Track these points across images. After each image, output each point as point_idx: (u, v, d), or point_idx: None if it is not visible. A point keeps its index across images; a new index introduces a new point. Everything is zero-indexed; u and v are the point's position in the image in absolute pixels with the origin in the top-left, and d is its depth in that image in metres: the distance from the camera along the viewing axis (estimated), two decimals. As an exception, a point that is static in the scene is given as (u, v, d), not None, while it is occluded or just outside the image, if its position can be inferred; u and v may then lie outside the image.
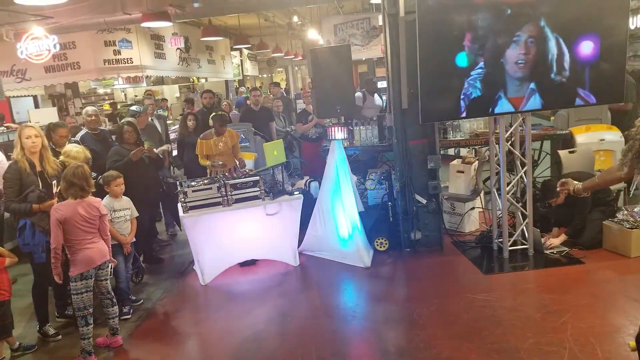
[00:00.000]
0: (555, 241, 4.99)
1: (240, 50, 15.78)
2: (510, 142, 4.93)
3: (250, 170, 5.67)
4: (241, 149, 6.31)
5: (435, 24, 4.36)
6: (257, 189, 4.80)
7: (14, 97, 10.09)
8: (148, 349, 3.94)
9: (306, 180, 6.16)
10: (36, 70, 8.88)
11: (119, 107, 12.56)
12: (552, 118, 7.63)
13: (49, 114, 8.84)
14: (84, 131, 5.72)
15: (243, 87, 16.53)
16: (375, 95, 8.14)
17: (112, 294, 3.94)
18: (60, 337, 4.16)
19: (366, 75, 13.22)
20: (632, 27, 9.52)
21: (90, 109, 5.86)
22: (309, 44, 13.21)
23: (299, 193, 5.08)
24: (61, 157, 4.34)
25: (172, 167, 7.51)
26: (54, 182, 4.06)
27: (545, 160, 6.35)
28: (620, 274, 4.46)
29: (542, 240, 4.99)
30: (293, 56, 17.01)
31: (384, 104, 7.51)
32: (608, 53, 4.41)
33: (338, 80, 4.99)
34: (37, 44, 7.84)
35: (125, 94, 14.19)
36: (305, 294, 4.69)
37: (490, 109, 4.54)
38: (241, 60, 16.41)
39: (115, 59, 9.27)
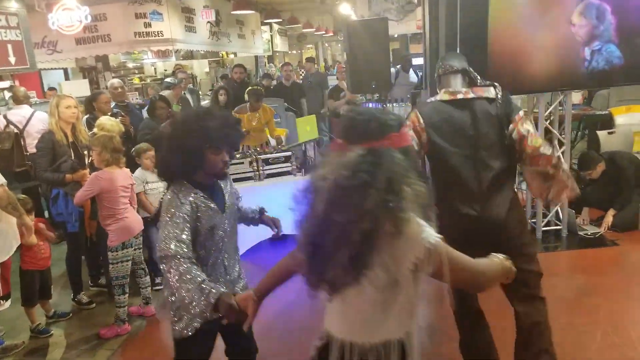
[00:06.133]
0: (609, 219, 4.81)
1: (270, 25, 15.60)
2: (549, 121, 4.79)
3: (282, 145, 5.64)
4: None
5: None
6: (289, 164, 4.78)
7: (44, 69, 10.15)
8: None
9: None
10: (67, 42, 8.84)
11: (148, 81, 12.59)
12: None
13: (80, 87, 8.88)
14: (112, 104, 5.76)
15: (272, 65, 16.23)
16: (411, 71, 8.00)
17: (145, 264, 4.01)
18: (94, 305, 4.26)
19: (399, 52, 12.99)
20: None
21: (115, 81, 5.84)
22: (341, 19, 12.96)
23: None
24: (95, 129, 4.37)
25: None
26: (85, 152, 4.11)
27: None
28: (656, 258, 4.34)
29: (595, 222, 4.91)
30: (324, 32, 16.72)
31: (420, 80, 7.36)
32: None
33: (374, 55, 4.88)
34: (68, 15, 7.81)
35: (155, 68, 14.23)
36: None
37: (533, 86, 4.32)
38: (271, 36, 16.23)
39: (146, 32, 9.17)
